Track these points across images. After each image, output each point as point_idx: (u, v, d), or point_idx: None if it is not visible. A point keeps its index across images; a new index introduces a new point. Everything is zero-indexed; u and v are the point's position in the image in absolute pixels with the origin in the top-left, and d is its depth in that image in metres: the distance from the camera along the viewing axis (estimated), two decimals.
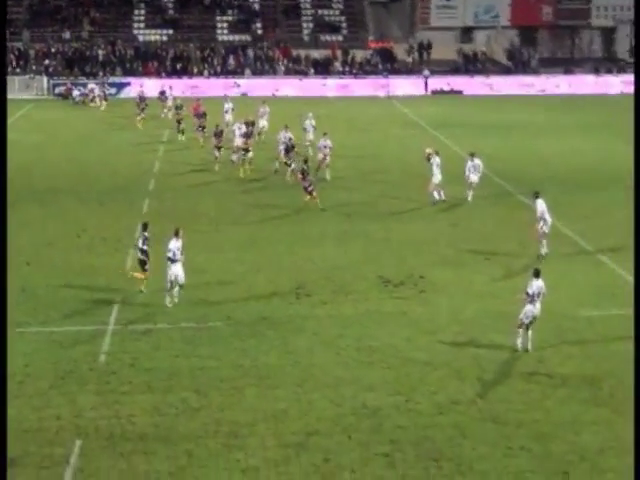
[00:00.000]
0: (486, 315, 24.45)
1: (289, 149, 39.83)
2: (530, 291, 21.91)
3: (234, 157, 42.60)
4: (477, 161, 36.93)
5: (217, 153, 42.19)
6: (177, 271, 24.33)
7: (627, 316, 24.30)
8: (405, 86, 71.54)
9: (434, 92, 71.58)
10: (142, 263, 25.87)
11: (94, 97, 64.16)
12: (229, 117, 50.74)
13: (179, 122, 50.55)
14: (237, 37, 77.23)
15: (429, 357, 21.86)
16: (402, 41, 79.30)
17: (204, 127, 47.73)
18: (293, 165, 39.05)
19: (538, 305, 22.00)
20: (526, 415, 19.00)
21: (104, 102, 63.44)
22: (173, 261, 24.28)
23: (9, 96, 67.56)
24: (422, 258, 29.26)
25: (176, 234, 24.72)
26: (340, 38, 78.01)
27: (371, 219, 34.16)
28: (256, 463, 17.19)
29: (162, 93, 59.74)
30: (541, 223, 29.28)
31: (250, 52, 75.28)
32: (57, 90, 69.57)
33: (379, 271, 28.04)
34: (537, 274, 22.21)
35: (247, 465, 17.13)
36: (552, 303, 25.12)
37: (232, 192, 38.61)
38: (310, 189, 35.06)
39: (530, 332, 22.08)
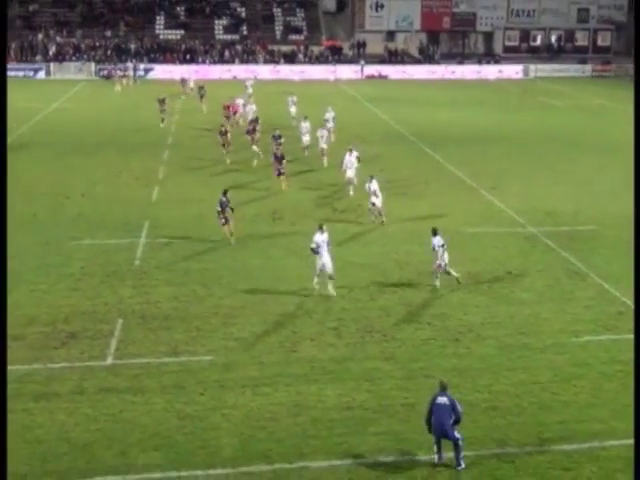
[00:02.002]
0: (404, 232, 24.25)
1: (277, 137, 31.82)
2: (439, 244, 19.40)
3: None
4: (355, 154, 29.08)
5: (224, 150, 33.27)
6: (324, 261, 18.89)
7: (499, 233, 24.33)
8: (347, 72, 70.15)
9: (368, 77, 70.33)
10: (222, 222, 22.41)
11: (123, 76, 61.72)
12: (250, 90, 48.66)
13: (202, 97, 47.28)
14: (229, 36, 75.81)
15: (364, 261, 21.69)
16: (345, 40, 78.11)
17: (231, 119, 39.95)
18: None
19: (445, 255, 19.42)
20: (430, 300, 18.96)
21: (134, 81, 61.62)
22: (317, 252, 18.98)
23: (67, 77, 65.69)
24: (358, 193, 28.84)
25: (320, 228, 19.28)
26: (302, 37, 76.66)
27: (325, 168, 33.52)
28: (244, 335, 17.04)
29: (183, 80, 55.61)
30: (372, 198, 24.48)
31: (238, 47, 74.01)
32: (101, 73, 67.39)
33: (331, 204, 27.61)
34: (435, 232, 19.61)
35: (239, 336, 16.97)
36: (448, 223, 25.03)
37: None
38: (282, 172, 28.48)
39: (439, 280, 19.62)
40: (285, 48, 74.42)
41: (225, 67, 69.60)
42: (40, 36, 71.99)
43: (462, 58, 76.77)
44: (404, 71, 71.83)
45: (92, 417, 13.70)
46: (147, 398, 14.32)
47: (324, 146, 33.06)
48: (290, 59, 73.25)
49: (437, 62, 75.31)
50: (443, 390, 12.55)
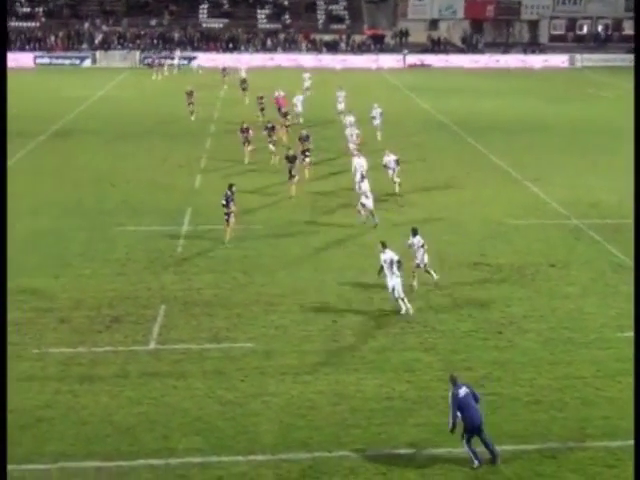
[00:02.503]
0: (444, 223, 24.00)
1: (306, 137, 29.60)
2: (419, 244, 18.54)
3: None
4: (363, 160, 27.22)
5: (272, 147, 30.71)
6: (394, 283, 17.19)
7: (543, 225, 23.93)
8: (389, 61, 69.67)
9: (410, 66, 69.68)
10: (225, 217, 21.61)
11: (161, 65, 61.78)
12: (307, 83, 48.01)
13: (244, 89, 46.50)
14: (272, 25, 75.70)
15: (405, 251, 21.35)
16: (388, 29, 77.49)
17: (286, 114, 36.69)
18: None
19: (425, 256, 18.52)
20: (472, 292, 18.74)
21: (178, 70, 62.05)
22: (384, 271, 17.38)
23: (113, 65, 66.44)
24: (402, 182, 28.58)
25: (383, 246, 17.71)
26: (344, 26, 76.26)
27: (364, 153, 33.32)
28: (285, 323, 17.07)
29: (223, 69, 54.87)
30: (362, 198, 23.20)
31: (281, 36, 73.95)
32: (145, 61, 67.96)
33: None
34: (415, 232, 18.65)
35: (279, 324, 17.00)
36: (491, 214, 24.79)
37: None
38: (293, 174, 26.22)
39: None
40: (327, 37, 74.22)
41: (267, 56, 69.72)
42: (86, 25, 72.93)
43: (506, 47, 75.63)
44: (447, 60, 71.02)
45: (135, 400, 13.87)
46: (189, 383, 14.44)
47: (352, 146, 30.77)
48: (332, 48, 72.98)
49: (481, 51, 74.31)
50: (456, 383, 12.23)
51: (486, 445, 12.18)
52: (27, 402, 13.71)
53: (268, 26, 75.93)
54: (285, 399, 13.97)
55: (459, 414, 12.03)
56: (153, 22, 74.53)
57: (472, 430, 11.97)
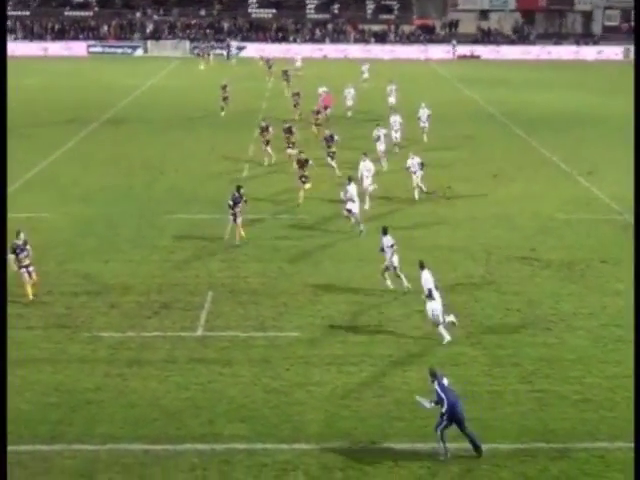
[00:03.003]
0: (493, 217, 23.69)
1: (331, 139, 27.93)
2: (387, 245, 17.81)
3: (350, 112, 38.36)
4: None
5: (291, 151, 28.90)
6: (434, 306, 15.58)
7: (595, 220, 23.44)
8: (438, 52, 68.95)
9: (459, 57, 68.85)
10: (231, 218, 20.90)
11: (207, 55, 62.05)
12: (366, 75, 47.53)
13: (287, 81, 46.35)
14: (320, 15, 75.55)
15: (451, 243, 21.32)
16: (437, 19, 76.61)
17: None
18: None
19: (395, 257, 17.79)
20: (520, 287, 18.46)
21: (227, 59, 62.58)
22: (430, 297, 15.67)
23: (163, 54, 67.15)
24: (449, 175, 28.38)
25: (422, 267, 16.04)
26: (393, 17, 75.66)
27: (411, 147, 33.12)
28: (330, 313, 17.06)
29: (267, 61, 54.53)
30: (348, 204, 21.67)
31: (329, 26, 73.68)
32: (195, 51, 68.60)
33: (417, 182, 27.17)
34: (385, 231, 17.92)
35: (325, 314, 17.00)
36: (540, 209, 24.39)
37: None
38: (305, 180, 24.47)
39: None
40: (376, 27, 73.83)
41: (316, 46, 69.62)
42: (138, 14, 73.87)
43: (559, 38, 74.16)
44: (497, 51, 69.98)
45: (182, 385, 14.04)
46: (235, 370, 14.55)
47: (389, 145, 29.80)
48: (380, 38, 72.57)
49: (532, 42, 73.03)
50: (437, 375, 12.19)
51: (471, 438, 12.05)
52: (78, 384, 13.99)
53: (317, 16, 75.83)
54: (330, 389, 13.98)
55: (449, 409, 11.87)
56: (203, 12, 75.14)
57: (459, 421, 11.88)
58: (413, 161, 24.92)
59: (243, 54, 67.07)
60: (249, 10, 76.08)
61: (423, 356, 15.17)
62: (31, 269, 16.83)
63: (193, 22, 73.14)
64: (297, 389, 13.95)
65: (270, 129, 29.14)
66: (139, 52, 69.16)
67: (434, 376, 12.22)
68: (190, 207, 24.33)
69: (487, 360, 15.01)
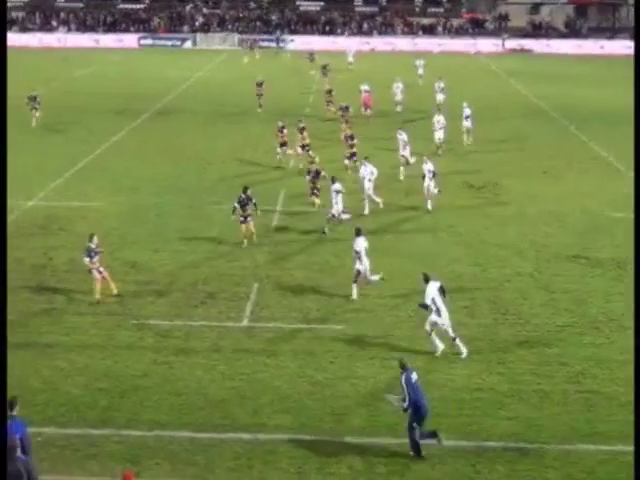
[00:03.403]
0: (542, 214, 23.31)
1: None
2: (358, 247, 17.17)
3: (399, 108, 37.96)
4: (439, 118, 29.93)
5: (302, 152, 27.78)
6: (440, 321, 14.81)
7: None
8: (488, 45, 68.07)
9: (509, 50, 67.87)
10: (241, 220, 20.04)
11: (252, 47, 62.25)
12: (421, 71, 46.35)
13: (325, 76, 45.16)
14: (368, 8, 75.21)
15: (500, 240, 21.06)
16: (487, 12, 75.59)
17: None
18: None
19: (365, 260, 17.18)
20: (570, 286, 18.14)
21: (275, 52, 62.74)
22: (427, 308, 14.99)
23: (212, 47, 67.64)
24: (497, 171, 28.02)
25: (426, 280, 15.26)
26: (442, 9, 74.90)
27: (458, 139, 32.80)
28: (375, 307, 17.02)
29: (311, 54, 54.35)
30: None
31: (377, 19, 73.32)
32: (244, 44, 68.95)
33: (465, 178, 27.02)
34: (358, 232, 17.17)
35: (369, 308, 16.98)
36: (591, 206, 23.93)
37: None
38: (316, 192, 23.36)
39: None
40: (424, 20, 73.23)
41: (363, 39, 69.30)
42: (188, 7, 74.55)
43: (612, 33, 72.45)
44: (548, 45, 68.76)
45: (227, 375, 14.17)
46: (279, 362, 14.63)
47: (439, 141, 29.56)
48: (429, 31, 71.93)
49: (584, 36, 71.55)
50: (406, 367, 11.94)
51: (420, 438, 11.79)
52: (126, 370, 14.24)
53: (365, 9, 75.48)
54: (373, 383, 13.95)
55: (412, 405, 11.67)
56: (252, 5, 75.41)
57: (421, 418, 11.69)
58: (426, 166, 23.32)
59: (291, 47, 67.18)
60: (297, 3, 76.14)
61: (468, 353, 15.00)
62: (102, 269, 16.95)
63: (242, 15, 73.52)
64: (341, 382, 13.96)
65: (285, 130, 27.82)
66: (188, 44, 69.83)
67: (403, 368, 11.98)
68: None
69: (534, 359, 14.79)
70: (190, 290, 17.73)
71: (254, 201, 20.16)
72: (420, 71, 46.91)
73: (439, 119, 29.98)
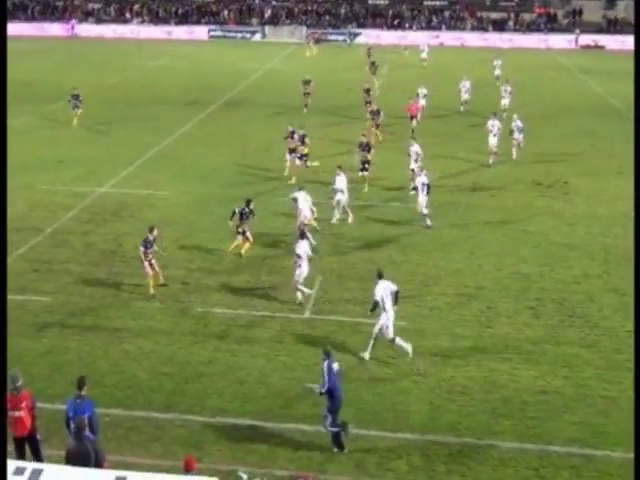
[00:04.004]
0: (613, 214, 22.62)
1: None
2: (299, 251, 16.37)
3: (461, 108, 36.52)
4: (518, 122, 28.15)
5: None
6: (383, 321, 14.49)
7: None
8: (560, 41, 66.26)
9: (582, 47, 65.93)
10: (239, 231, 18.97)
11: (315, 41, 61.95)
12: (498, 72, 43.88)
13: (373, 73, 43.34)
14: (437, 2, 74.16)
15: (568, 241, 20.53)
16: (560, 7, 73.60)
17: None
18: None
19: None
20: None
21: (349, 46, 62.59)
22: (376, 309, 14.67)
23: (280, 40, 67.89)
24: (567, 169, 27.32)
25: (379, 276, 14.79)
26: (513, 4, 73.29)
27: (531, 136, 32.10)
28: (438, 304, 16.84)
29: (369, 49, 52.50)
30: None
31: (446, 13, 72.34)
32: (312, 36, 69.06)
33: (533, 176, 26.45)
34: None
35: (432, 305, 16.81)
36: None
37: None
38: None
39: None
40: (495, 15, 71.79)
41: (432, 33, 68.43)
42: (257, 0, 75.05)
43: None
44: (623, 42, 66.38)
45: (289, 366, 14.25)
46: (341, 355, 14.57)
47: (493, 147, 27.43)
48: (499, 26, 70.54)
49: None
50: (330, 356, 11.90)
51: (332, 424, 11.80)
52: (191, 357, 14.47)
53: (434, 3, 74.50)
54: (435, 381, 13.81)
55: (327, 392, 11.69)
56: None
57: (335, 408, 11.69)
58: (420, 179, 21.44)
59: (358, 41, 66.94)
60: None
61: (533, 355, 14.71)
62: (154, 261, 17.02)
63: (310, 8, 73.66)
64: (402, 378, 13.87)
65: (295, 136, 25.83)
66: (257, 37, 70.31)
67: (326, 355, 11.96)
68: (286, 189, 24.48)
69: (602, 364, 14.38)
70: (254, 280, 17.89)
71: (254, 214, 19.05)
72: (497, 72, 44.51)
73: (494, 123, 27.57)
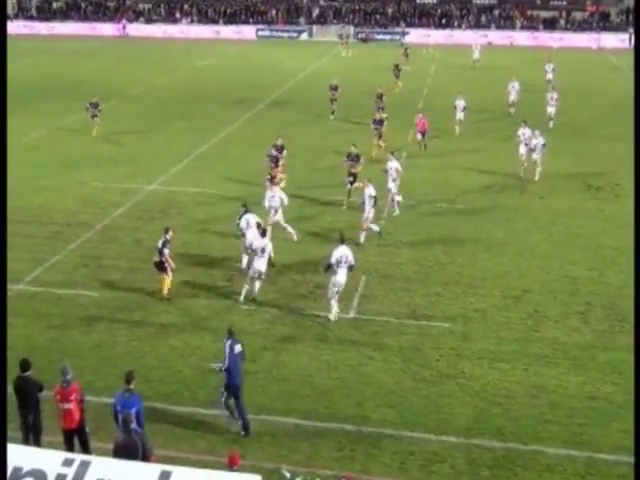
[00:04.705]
0: None
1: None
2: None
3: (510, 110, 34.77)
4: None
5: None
6: (336, 280, 15.79)
7: None
8: (613, 41, 64.79)
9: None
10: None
11: (346, 42, 61.61)
12: (550, 76, 41.07)
13: (397, 77, 42.22)
14: (487, 1, 73.21)
15: (619, 244, 20.05)
16: (613, 5, 71.94)
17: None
18: None
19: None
20: None
21: (403, 51, 62.28)
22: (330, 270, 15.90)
23: (327, 39, 67.90)
24: (619, 171, 26.70)
25: (342, 240, 16.15)
26: (565, 2, 71.93)
27: (580, 137, 31.59)
28: (484, 306, 16.62)
29: (405, 49, 51.80)
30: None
31: (496, 12, 71.36)
32: (359, 35, 69.00)
33: (584, 177, 25.92)
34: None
35: (478, 307, 16.60)
36: None
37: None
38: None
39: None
40: (545, 14, 70.63)
41: (480, 32, 67.63)
42: (305, 0, 75.24)
43: None
44: None
45: (333, 365, 14.23)
46: (385, 355, 14.54)
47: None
48: (550, 25, 69.38)
49: None
50: (232, 336, 12.13)
51: (241, 413, 12.00)
52: None
53: (483, 1, 73.63)
54: (480, 384, 13.63)
55: (227, 371, 11.91)
56: None
57: (233, 390, 11.89)
58: (367, 190, 19.89)
59: (406, 40, 66.58)
60: None
61: (581, 360, 14.42)
62: (166, 266, 16.64)
63: (357, 7, 73.51)
64: (447, 380, 13.73)
65: (285, 152, 24.07)
66: (304, 36, 70.50)
67: (229, 335, 12.20)
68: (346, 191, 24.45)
69: None
70: (299, 279, 17.92)
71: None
72: (549, 76, 41.96)
73: (524, 131, 25.97)
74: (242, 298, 16.64)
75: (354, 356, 14.53)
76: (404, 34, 66.67)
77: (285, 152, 24.07)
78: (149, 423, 11.41)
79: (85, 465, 8.87)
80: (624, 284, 17.60)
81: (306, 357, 14.52)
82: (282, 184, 21.88)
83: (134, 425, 10.40)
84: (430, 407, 12.94)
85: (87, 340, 15.05)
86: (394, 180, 22.12)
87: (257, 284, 16.70)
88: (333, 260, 15.69)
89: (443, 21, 71.04)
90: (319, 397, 13.23)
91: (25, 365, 11.35)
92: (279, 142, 24.25)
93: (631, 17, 69.41)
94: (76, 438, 11.20)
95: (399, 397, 13.19)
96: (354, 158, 23.12)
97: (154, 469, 8.92)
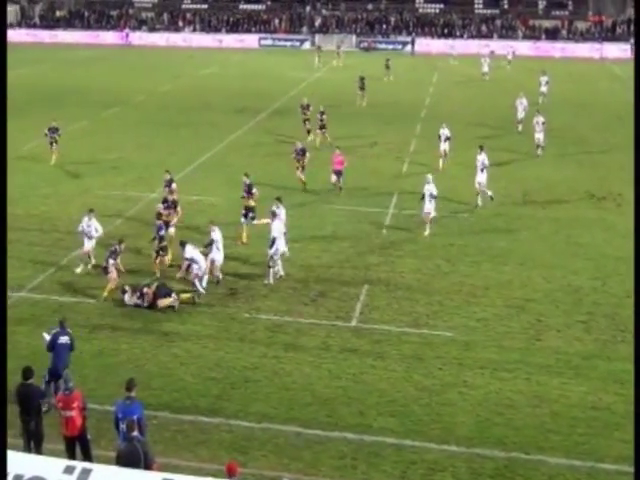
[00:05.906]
0: None
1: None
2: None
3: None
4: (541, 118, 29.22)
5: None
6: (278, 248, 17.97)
7: None
8: (615, 51, 64.98)
9: None
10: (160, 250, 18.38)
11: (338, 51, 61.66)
12: (544, 89, 40.16)
13: (362, 88, 40.97)
14: (489, 10, 73.61)
15: (621, 254, 20.05)
16: (615, 15, 72.18)
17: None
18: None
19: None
20: None
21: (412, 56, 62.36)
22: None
23: (330, 47, 68.17)
24: (621, 181, 26.74)
25: (273, 215, 18.20)
26: (567, 12, 72.23)
27: (582, 147, 31.62)
28: (487, 316, 16.63)
29: (387, 60, 50.24)
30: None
31: (498, 22, 71.62)
32: (361, 45, 69.25)
33: (586, 187, 25.98)
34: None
35: (480, 316, 16.60)
36: None
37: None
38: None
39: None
40: (547, 23, 70.87)
41: (483, 42, 67.83)
42: (308, 8, 75.55)
43: None
44: None
45: (334, 374, 14.23)
46: (387, 364, 14.55)
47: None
48: (552, 35, 69.60)
49: None
50: (62, 327, 12.92)
51: (55, 387, 12.66)
52: (237, 362, 14.58)
53: (485, 11, 73.98)
54: (482, 393, 13.63)
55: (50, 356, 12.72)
56: (370, 6, 75.52)
57: (54, 375, 12.66)
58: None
59: (408, 49, 66.81)
60: (416, 5, 75.58)
61: (583, 370, 14.41)
62: (121, 267, 17.73)
63: (359, 17, 73.82)
64: (449, 389, 13.73)
65: (307, 153, 25.26)
66: (306, 45, 70.73)
67: (60, 325, 13.03)
68: (350, 199, 24.57)
69: None
70: (301, 287, 17.95)
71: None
72: (543, 88, 40.13)
73: (537, 120, 29.18)
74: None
75: (356, 365, 14.54)
76: (413, 43, 66.53)
77: (255, 190, 21.10)
78: (151, 431, 11.42)
79: (86, 473, 8.89)
80: (626, 294, 17.60)
81: (308, 365, 14.53)
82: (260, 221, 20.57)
83: (135, 433, 10.40)
84: (432, 416, 12.93)
85: (89, 347, 15.07)
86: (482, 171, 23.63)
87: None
88: (276, 234, 17.87)
89: (445, 31, 71.26)
90: (321, 405, 13.23)
91: (28, 373, 11.38)
92: (247, 181, 21.43)
93: (633, 27, 69.61)
94: (78, 446, 11.20)
95: (401, 406, 13.19)
96: (300, 152, 25.15)
97: (156, 477, 8.93)
